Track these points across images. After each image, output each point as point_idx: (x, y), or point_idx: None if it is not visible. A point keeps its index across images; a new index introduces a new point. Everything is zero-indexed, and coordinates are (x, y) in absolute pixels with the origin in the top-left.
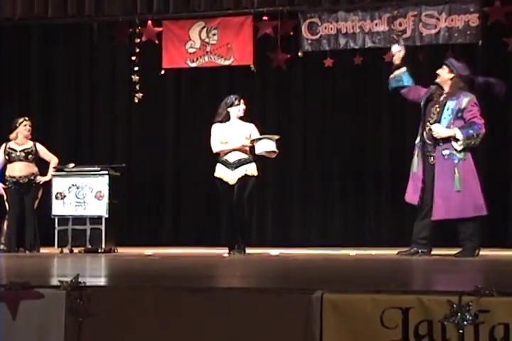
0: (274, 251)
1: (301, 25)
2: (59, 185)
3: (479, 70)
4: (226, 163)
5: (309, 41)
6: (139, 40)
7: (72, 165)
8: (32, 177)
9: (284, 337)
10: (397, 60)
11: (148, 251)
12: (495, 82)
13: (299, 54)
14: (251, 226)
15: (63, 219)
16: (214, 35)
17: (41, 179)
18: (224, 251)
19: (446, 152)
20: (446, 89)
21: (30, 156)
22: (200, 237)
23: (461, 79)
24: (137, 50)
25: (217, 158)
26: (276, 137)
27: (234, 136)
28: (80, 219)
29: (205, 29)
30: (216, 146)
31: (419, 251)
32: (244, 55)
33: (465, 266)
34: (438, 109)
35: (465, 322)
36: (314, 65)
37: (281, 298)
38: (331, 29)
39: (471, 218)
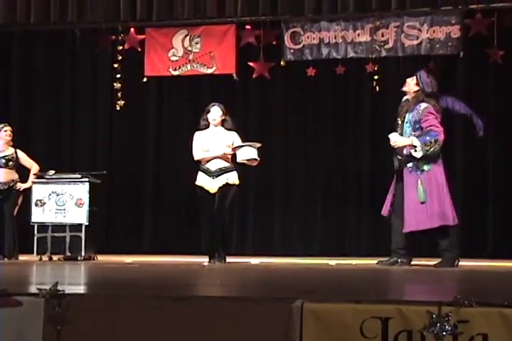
0: (255, 260)
1: (284, 35)
2: (39, 192)
3: (460, 81)
4: (207, 172)
5: (292, 50)
6: (121, 48)
7: (52, 172)
8: (12, 184)
9: None
10: None
11: (128, 259)
12: (474, 121)
13: (282, 63)
14: (232, 235)
15: (43, 227)
16: (197, 43)
17: (21, 186)
18: (204, 260)
19: (410, 164)
20: (411, 101)
21: (10, 163)
22: (180, 245)
23: (426, 95)
24: (119, 58)
25: (198, 165)
26: (258, 145)
27: (215, 144)
28: (59, 227)
29: (188, 37)
30: (198, 154)
31: (399, 260)
32: (226, 64)
33: (444, 277)
34: (400, 122)
35: (444, 333)
36: (296, 75)
37: (262, 307)
38: (314, 39)
39: (448, 229)
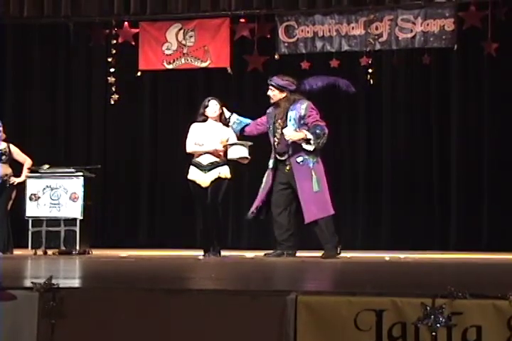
0: (250, 254)
1: (278, 28)
2: (33, 186)
3: (454, 75)
4: (199, 165)
5: (286, 44)
6: (115, 41)
7: (46, 166)
8: (6, 179)
9: (259, 339)
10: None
11: (123, 253)
12: (341, 84)
13: (276, 57)
14: (226, 229)
15: (37, 221)
16: (191, 37)
17: (15, 180)
18: (199, 254)
19: (299, 159)
20: (283, 104)
21: (4, 157)
22: (175, 239)
23: (293, 93)
24: (113, 52)
25: (190, 159)
26: (250, 143)
27: (210, 139)
28: (54, 221)
29: (182, 31)
30: (190, 147)
31: (285, 252)
32: (220, 58)
33: (435, 269)
34: (282, 124)
35: (438, 325)
36: (291, 68)
37: (256, 300)
38: (308, 32)
39: (329, 218)
